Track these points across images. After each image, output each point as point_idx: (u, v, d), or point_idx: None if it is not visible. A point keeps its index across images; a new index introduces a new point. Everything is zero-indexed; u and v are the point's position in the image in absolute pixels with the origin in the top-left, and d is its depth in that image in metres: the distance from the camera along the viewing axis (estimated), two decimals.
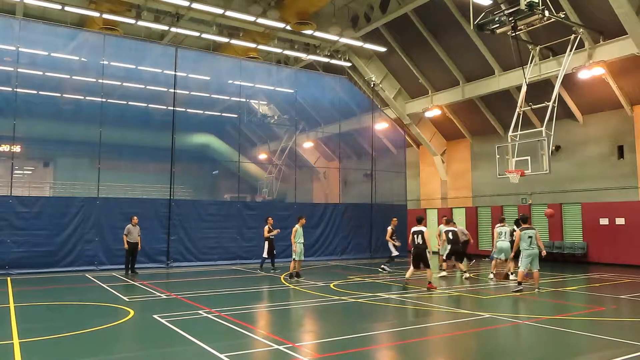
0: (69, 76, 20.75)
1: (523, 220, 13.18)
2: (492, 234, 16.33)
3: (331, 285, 13.71)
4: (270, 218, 17.60)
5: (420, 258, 12.97)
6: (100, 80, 18.69)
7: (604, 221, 19.51)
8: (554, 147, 18.62)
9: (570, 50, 17.32)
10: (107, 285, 13.51)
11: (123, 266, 16.49)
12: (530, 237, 12.28)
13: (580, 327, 8.51)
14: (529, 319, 9.09)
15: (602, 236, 19.20)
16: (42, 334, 7.84)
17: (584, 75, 18.37)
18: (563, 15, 16.05)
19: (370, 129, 24.94)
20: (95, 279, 15.04)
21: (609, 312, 10.15)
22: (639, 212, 18.53)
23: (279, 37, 22.82)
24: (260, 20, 20.26)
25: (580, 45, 17.81)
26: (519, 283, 12.33)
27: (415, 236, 13.04)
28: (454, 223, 18.04)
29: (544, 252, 12.35)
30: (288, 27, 20.91)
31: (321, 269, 18.43)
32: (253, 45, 22.74)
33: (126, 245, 16.07)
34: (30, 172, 29.91)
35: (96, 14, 19.15)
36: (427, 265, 13.02)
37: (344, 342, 7.61)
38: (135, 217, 16.43)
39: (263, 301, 11.99)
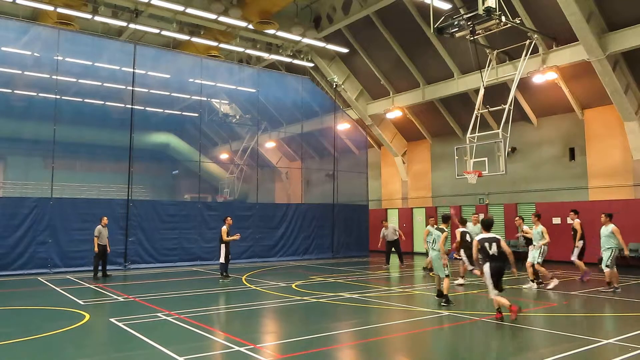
0: (20, 72, 19.98)
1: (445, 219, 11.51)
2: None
3: (293, 285, 13.69)
4: (229, 218, 15.77)
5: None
6: (54, 77, 18.07)
7: (556, 220, 20.22)
8: (509, 149, 19.16)
9: (525, 55, 17.88)
10: (61, 289, 13.06)
11: (79, 269, 16.03)
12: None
13: (535, 323, 8.80)
14: (485, 316, 9.32)
15: (555, 235, 19.85)
16: None
17: (538, 79, 19.01)
18: (519, 21, 16.54)
19: (332, 129, 25.08)
20: (48, 282, 14.52)
21: (561, 308, 10.54)
22: (589, 212, 19.27)
23: (241, 36, 22.63)
24: (222, 19, 20.04)
25: (535, 50, 18.44)
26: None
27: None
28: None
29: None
30: (250, 26, 20.76)
31: (283, 270, 18.38)
32: (214, 43, 22.47)
33: (96, 248, 15.38)
34: None
35: (50, 8, 18.50)
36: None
37: (305, 342, 7.62)
38: (105, 218, 15.92)
39: (224, 303, 11.86)
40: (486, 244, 9.08)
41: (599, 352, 6.95)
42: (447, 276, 10.53)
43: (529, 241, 13.99)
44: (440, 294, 10.73)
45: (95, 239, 15.44)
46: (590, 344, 7.29)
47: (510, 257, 9.06)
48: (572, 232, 14.19)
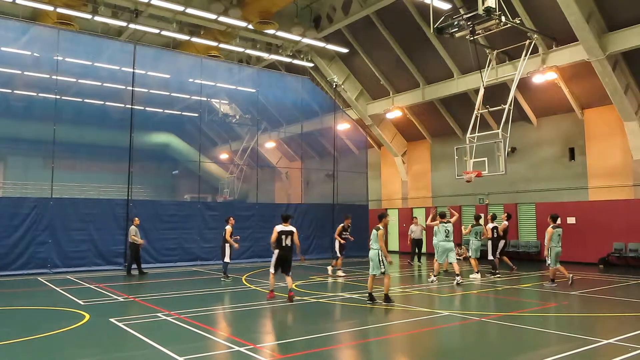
0: (20, 72, 19.98)
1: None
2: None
3: (293, 285, 13.65)
4: (232, 218, 15.86)
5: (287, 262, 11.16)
6: (54, 77, 18.05)
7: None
8: (509, 149, 19.17)
9: (525, 55, 17.89)
10: (61, 289, 13.06)
11: (79, 269, 16.15)
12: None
13: (534, 323, 8.80)
14: (485, 316, 9.33)
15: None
16: None
17: (537, 79, 19.02)
18: (519, 21, 16.54)
19: (332, 129, 25.07)
20: (48, 282, 14.52)
21: (561, 308, 10.54)
22: (588, 212, 19.32)
23: (241, 36, 22.64)
24: (222, 19, 20.04)
25: (535, 50, 18.45)
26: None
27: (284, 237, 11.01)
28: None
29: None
30: (250, 26, 20.76)
31: None
32: (214, 43, 22.47)
33: (141, 243, 16.33)
34: None
35: (50, 8, 18.50)
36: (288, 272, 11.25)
37: (305, 342, 7.62)
38: (137, 219, 16.67)
39: (223, 303, 11.85)
40: (283, 236, 10.77)
41: (599, 352, 6.95)
42: (382, 273, 10.69)
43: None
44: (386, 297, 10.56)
45: (134, 237, 16.13)
46: (590, 344, 7.29)
47: (297, 248, 11.04)
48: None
